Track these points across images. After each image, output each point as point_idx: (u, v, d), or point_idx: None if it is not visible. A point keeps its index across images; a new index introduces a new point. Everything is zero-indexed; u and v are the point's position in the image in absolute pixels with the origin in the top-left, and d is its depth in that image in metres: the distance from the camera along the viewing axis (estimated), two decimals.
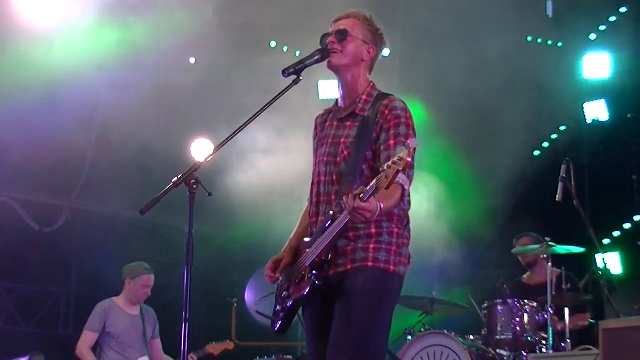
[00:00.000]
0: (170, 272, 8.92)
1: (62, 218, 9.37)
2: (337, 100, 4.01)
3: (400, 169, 3.31)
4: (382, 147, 3.70)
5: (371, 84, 3.93)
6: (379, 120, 3.75)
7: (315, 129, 4.09)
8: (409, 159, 3.32)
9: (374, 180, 3.38)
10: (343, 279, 3.67)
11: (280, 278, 3.95)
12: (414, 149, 3.41)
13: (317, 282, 3.67)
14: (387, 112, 3.75)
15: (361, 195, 3.36)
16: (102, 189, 9.10)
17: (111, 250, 9.43)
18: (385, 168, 3.34)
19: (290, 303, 3.81)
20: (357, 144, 3.76)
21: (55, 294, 9.79)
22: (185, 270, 3.65)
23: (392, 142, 3.68)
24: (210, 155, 3.83)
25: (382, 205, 3.44)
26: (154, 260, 9.36)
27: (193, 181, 3.68)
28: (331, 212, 3.70)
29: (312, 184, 3.96)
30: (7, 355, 7.93)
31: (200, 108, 8.78)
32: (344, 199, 3.42)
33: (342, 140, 3.83)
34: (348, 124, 3.87)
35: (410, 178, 3.66)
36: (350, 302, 3.64)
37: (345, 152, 3.79)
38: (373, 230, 3.70)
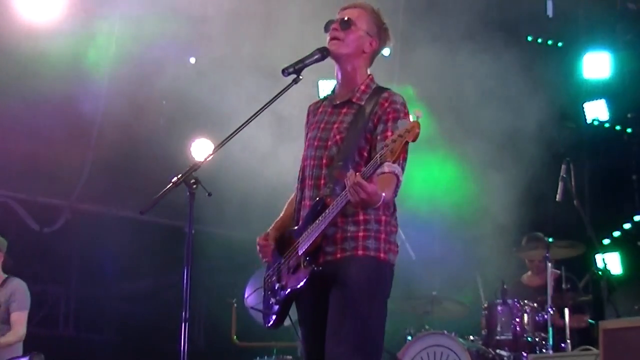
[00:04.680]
0: (170, 272, 8.91)
1: (62, 218, 9.36)
2: (333, 88, 4.01)
3: (410, 140, 3.31)
4: (378, 138, 3.70)
5: (370, 76, 3.94)
6: (377, 111, 3.74)
7: (308, 115, 4.08)
8: (418, 130, 3.31)
9: (377, 156, 3.38)
10: (335, 268, 3.65)
11: (273, 248, 3.90)
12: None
13: (315, 268, 3.62)
14: (386, 104, 3.75)
15: (363, 172, 3.36)
16: (102, 189, 9.09)
17: (111, 250, 9.42)
18: (389, 142, 3.33)
19: (287, 292, 3.75)
20: (351, 130, 3.76)
21: (55, 294, 9.78)
22: (185, 270, 3.65)
23: (389, 133, 3.66)
24: (210, 155, 3.83)
25: (384, 195, 3.43)
26: (154, 261, 9.39)
27: (192, 181, 3.68)
28: (318, 198, 3.67)
29: (300, 169, 3.95)
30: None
31: (200, 108, 8.77)
32: (347, 175, 3.40)
33: (335, 125, 3.83)
34: (343, 110, 3.86)
35: (403, 169, 3.66)
36: (345, 292, 3.62)
37: (338, 137, 3.78)
38: (361, 217, 3.68)
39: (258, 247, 3.93)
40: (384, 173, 3.49)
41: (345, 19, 3.86)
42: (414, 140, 3.32)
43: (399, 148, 3.30)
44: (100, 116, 8.92)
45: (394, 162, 3.37)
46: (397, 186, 3.63)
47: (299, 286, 3.67)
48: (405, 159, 3.68)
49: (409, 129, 3.31)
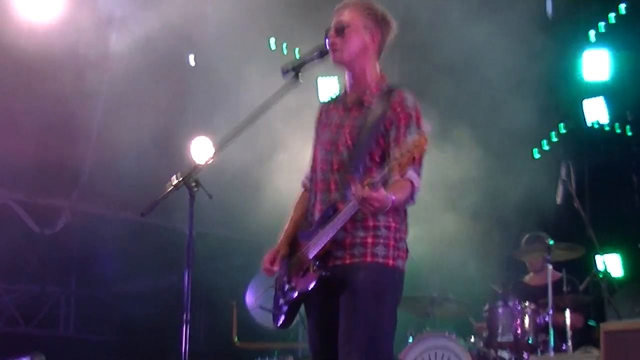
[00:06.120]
0: (171, 274, 8.91)
1: (62, 219, 9.36)
2: (345, 88, 3.98)
3: (417, 156, 3.34)
4: (392, 143, 3.66)
5: (382, 76, 3.90)
6: (389, 115, 3.71)
7: (320, 114, 4.04)
8: (426, 147, 3.33)
9: (385, 168, 3.37)
10: (343, 274, 3.65)
11: (276, 272, 3.90)
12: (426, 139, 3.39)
13: (323, 274, 3.64)
14: (398, 108, 3.72)
15: (371, 184, 3.35)
16: (102, 190, 9.09)
17: (111, 252, 9.43)
18: (398, 156, 3.34)
19: (295, 295, 3.76)
20: (362, 134, 3.73)
21: (55, 294, 9.79)
22: (186, 272, 3.65)
23: (403, 138, 3.64)
24: (211, 158, 3.83)
25: (394, 198, 3.43)
26: (155, 263, 9.39)
27: (193, 183, 3.69)
28: (331, 203, 3.67)
29: (311, 169, 3.94)
30: (7, 356, 7.91)
31: (200, 108, 8.77)
32: (352, 188, 3.40)
33: (346, 128, 3.80)
34: (354, 112, 3.84)
35: (419, 174, 3.64)
36: (354, 299, 3.62)
37: (349, 141, 3.76)
38: (370, 223, 3.67)
39: (263, 265, 3.91)
40: (397, 179, 3.49)
41: (340, 23, 3.84)
42: (420, 156, 3.36)
43: (406, 162, 3.32)
44: (100, 116, 8.91)
45: (401, 176, 3.39)
46: (413, 192, 3.62)
47: (307, 289, 3.68)
48: (420, 165, 3.66)
49: (417, 144, 3.32)
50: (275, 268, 3.88)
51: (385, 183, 3.44)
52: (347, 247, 3.67)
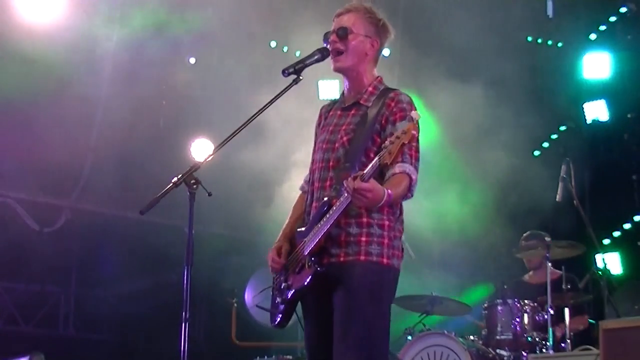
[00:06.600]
0: (170, 272, 8.91)
1: (62, 218, 9.36)
2: (343, 91, 4.01)
3: (406, 142, 3.35)
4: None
5: (378, 78, 3.93)
6: (384, 112, 3.74)
7: (320, 117, 4.08)
8: (414, 132, 3.35)
9: (376, 158, 3.39)
10: (338, 272, 3.66)
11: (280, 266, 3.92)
12: (418, 122, 3.43)
13: (319, 269, 3.65)
14: (393, 104, 3.75)
15: (361, 175, 3.36)
16: (102, 189, 9.09)
17: (111, 250, 9.42)
18: (387, 144, 3.36)
19: (291, 293, 3.77)
20: (358, 132, 3.76)
21: (55, 294, 9.78)
22: (185, 270, 3.65)
23: None
24: (210, 155, 3.83)
25: (390, 192, 3.44)
26: (154, 261, 9.39)
27: (193, 181, 3.69)
28: (325, 198, 3.69)
29: (310, 171, 3.96)
30: (7, 355, 7.91)
31: (200, 108, 8.78)
32: (344, 182, 3.41)
33: (343, 127, 3.83)
34: (351, 112, 3.87)
35: (416, 168, 3.66)
36: (349, 298, 3.63)
37: (344, 138, 3.78)
38: (364, 219, 3.68)
39: (269, 261, 3.92)
40: (394, 174, 3.53)
41: (342, 27, 3.85)
42: (409, 142, 3.38)
43: (396, 150, 3.35)
44: (101, 116, 8.92)
45: (391, 164, 3.41)
46: (411, 185, 3.63)
47: (303, 285, 3.69)
48: (417, 159, 3.69)
49: (406, 130, 3.35)
50: (283, 261, 3.87)
51: (381, 174, 3.45)
52: (341, 244, 3.68)
